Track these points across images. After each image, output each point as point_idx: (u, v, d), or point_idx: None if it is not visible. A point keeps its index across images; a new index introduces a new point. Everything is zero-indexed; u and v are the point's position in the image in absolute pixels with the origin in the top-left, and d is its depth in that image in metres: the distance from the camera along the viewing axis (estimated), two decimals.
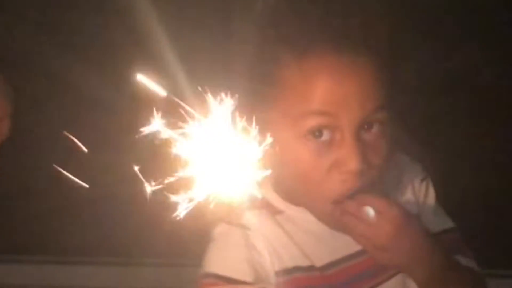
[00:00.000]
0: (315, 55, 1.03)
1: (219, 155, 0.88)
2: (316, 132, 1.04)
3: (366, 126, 1.06)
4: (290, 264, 1.13)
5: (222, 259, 1.11)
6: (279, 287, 1.12)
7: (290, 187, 1.12)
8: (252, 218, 1.14)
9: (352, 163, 1.03)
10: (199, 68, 1.00)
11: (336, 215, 1.07)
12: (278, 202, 1.16)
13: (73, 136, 0.97)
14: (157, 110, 0.83)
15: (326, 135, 1.04)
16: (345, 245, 1.15)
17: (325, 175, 1.05)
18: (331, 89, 1.03)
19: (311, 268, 1.14)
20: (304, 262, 1.13)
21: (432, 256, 1.10)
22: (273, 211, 1.16)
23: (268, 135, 0.91)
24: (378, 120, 1.06)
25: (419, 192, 1.25)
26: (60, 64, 2.26)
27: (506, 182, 2.37)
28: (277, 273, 1.12)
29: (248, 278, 1.08)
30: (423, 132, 2.23)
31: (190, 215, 0.87)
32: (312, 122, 1.04)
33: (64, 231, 2.52)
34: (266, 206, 1.16)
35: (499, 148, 2.36)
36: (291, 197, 1.15)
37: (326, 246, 1.15)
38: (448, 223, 1.26)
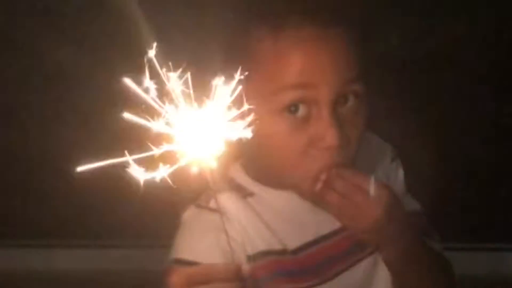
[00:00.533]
0: (287, 27, 1.01)
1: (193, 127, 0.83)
2: (292, 107, 1.01)
3: (342, 100, 1.03)
4: (262, 247, 1.09)
5: (191, 244, 1.06)
6: (251, 272, 1.08)
7: (265, 166, 1.09)
8: (222, 200, 1.09)
9: (330, 138, 1.00)
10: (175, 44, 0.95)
11: (317, 192, 1.04)
12: (249, 183, 1.13)
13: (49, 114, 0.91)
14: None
15: (302, 110, 1.01)
16: (318, 227, 1.13)
17: (303, 151, 1.02)
18: (306, 62, 1.00)
19: (283, 251, 1.11)
20: (277, 246, 1.10)
21: (404, 235, 1.08)
22: (244, 193, 1.12)
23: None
24: (354, 92, 1.03)
25: (389, 172, 1.23)
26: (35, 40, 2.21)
27: (488, 159, 2.37)
28: (249, 258, 1.08)
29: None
30: (401, 110, 2.22)
31: (160, 196, 0.83)
32: (288, 96, 1.01)
33: (32, 213, 2.48)
34: (236, 189, 1.12)
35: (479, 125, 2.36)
36: (265, 178, 1.11)
37: (299, 228, 1.12)
38: (416, 205, 1.25)
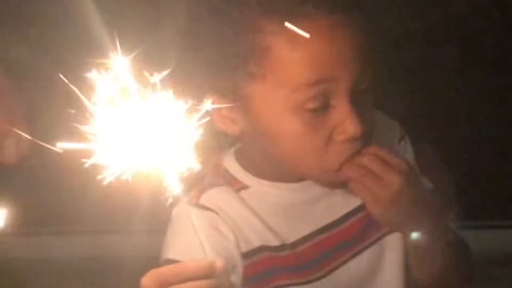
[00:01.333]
0: (301, 18, 0.94)
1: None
2: (312, 102, 0.96)
3: (359, 88, 0.98)
4: (257, 244, 1.05)
5: (181, 243, 1.01)
6: (246, 270, 1.03)
7: (275, 161, 1.04)
8: (214, 196, 1.05)
9: (352, 128, 0.96)
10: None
11: (339, 177, 1.01)
12: (244, 176, 1.08)
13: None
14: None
15: (321, 103, 0.96)
16: (315, 219, 1.08)
17: (325, 145, 0.98)
18: (324, 54, 0.95)
19: (280, 247, 1.06)
20: (273, 241, 1.06)
21: (428, 215, 1.04)
22: (238, 187, 1.07)
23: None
24: (369, 79, 0.99)
25: (398, 151, 1.16)
26: None
27: (494, 132, 2.33)
28: (243, 255, 1.03)
29: None
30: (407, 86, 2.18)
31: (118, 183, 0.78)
32: (309, 93, 0.95)
33: None
34: (229, 182, 1.07)
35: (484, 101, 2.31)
36: (267, 171, 1.06)
37: (295, 220, 1.08)
38: (429, 184, 1.19)
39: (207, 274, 0.80)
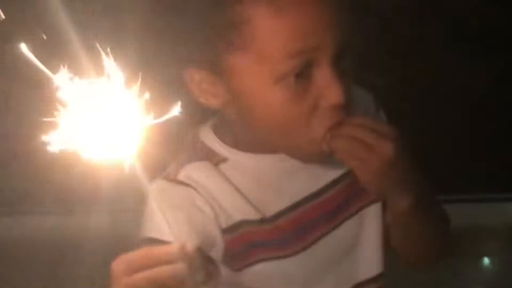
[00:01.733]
0: None
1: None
2: (295, 72, 0.94)
3: (340, 56, 0.96)
4: (237, 218, 1.03)
5: (159, 221, 0.98)
6: (227, 245, 1.01)
7: (256, 133, 1.02)
8: (192, 172, 1.02)
9: (336, 96, 0.95)
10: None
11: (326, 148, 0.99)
12: (222, 148, 1.05)
13: None
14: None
15: (304, 73, 0.94)
16: (295, 190, 1.07)
17: (310, 115, 0.96)
18: (306, 23, 0.93)
19: (260, 221, 1.04)
20: (253, 215, 1.04)
21: (418, 184, 1.03)
22: (216, 160, 1.05)
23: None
24: (349, 48, 0.97)
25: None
26: None
27: (480, 113, 2.31)
28: (224, 231, 1.02)
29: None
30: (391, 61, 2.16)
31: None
32: (293, 63, 0.93)
33: None
34: (207, 156, 1.04)
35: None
36: (247, 143, 1.05)
37: (275, 193, 1.06)
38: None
39: (178, 257, 0.78)
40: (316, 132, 0.97)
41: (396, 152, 0.97)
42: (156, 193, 1.01)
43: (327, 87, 0.95)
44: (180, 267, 0.77)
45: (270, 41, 0.93)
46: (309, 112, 0.96)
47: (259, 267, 1.06)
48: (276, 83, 0.94)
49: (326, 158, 1.02)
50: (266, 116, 0.97)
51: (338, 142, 0.98)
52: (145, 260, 0.77)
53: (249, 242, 1.04)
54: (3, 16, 0.73)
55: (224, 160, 1.05)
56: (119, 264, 0.77)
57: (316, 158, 1.03)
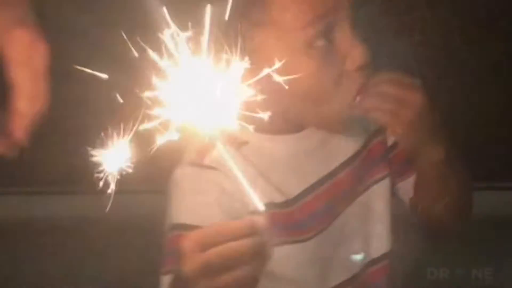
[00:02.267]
0: None
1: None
2: (318, 38, 0.94)
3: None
4: (263, 201, 1.01)
5: (189, 207, 0.97)
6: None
7: (285, 112, 1.01)
8: (216, 156, 1.01)
9: (361, 57, 0.96)
10: None
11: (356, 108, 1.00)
12: (242, 132, 1.04)
13: None
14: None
15: (327, 39, 0.95)
16: (313, 170, 1.07)
17: (339, 78, 0.97)
18: None
19: (284, 204, 1.04)
20: (277, 198, 1.03)
21: (441, 141, 1.05)
22: (237, 145, 1.03)
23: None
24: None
25: None
26: None
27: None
28: (251, 214, 1.00)
29: None
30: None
31: None
32: (316, 29, 0.93)
33: None
34: (228, 141, 1.03)
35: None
36: (269, 123, 1.05)
37: (295, 174, 1.06)
38: None
39: (250, 232, 0.77)
40: (346, 96, 0.98)
41: (425, 102, 0.99)
42: (182, 178, 1.00)
43: (351, 49, 0.95)
44: (252, 241, 0.76)
45: (291, 11, 0.93)
46: (338, 75, 0.96)
47: (276, 251, 1.05)
48: (303, 52, 0.94)
49: (353, 124, 1.03)
50: (297, 88, 0.95)
51: (369, 101, 0.98)
52: (217, 236, 0.75)
53: (273, 224, 1.03)
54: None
55: (245, 143, 1.04)
56: (191, 241, 0.75)
57: (345, 125, 1.03)
